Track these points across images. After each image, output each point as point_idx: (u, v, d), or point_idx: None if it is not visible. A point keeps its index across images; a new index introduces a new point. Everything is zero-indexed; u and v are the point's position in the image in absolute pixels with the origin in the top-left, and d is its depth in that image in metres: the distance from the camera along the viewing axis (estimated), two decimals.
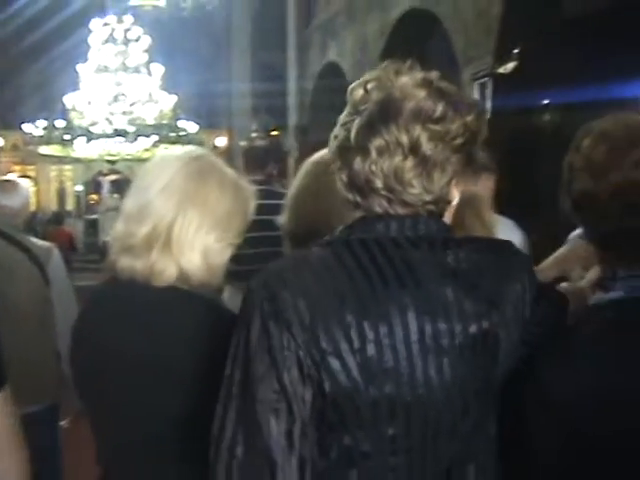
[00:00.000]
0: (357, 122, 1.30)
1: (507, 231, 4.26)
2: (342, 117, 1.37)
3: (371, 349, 1.24)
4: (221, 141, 24.88)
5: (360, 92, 1.33)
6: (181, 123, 21.78)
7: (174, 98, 18.58)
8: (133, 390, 1.67)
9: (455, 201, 1.39)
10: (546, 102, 8.36)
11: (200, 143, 24.61)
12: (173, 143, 23.01)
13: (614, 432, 1.37)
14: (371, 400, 1.24)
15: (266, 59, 22.67)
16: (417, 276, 1.28)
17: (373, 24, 13.79)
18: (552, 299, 1.55)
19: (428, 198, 1.31)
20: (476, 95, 8.78)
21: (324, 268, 1.28)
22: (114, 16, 16.36)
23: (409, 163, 1.28)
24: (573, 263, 2.61)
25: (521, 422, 1.45)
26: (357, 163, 1.30)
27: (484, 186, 4.39)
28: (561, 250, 2.74)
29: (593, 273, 2.00)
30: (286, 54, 19.36)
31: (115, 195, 22.18)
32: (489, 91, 8.55)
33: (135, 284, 1.69)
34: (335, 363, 1.23)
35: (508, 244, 1.45)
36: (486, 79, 8.65)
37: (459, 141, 1.30)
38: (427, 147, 1.27)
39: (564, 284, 2.24)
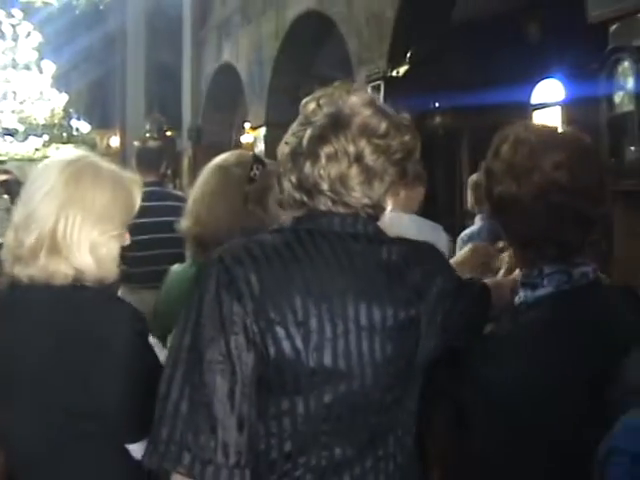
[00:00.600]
0: (309, 131, 1.48)
1: (435, 233, 4.51)
2: (294, 127, 1.54)
3: (313, 323, 1.40)
4: (115, 141, 24.45)
5: (312, 105, 1.53)
6: (73, 122, 21.32)
7: (65, 97, 18.16)
8: (40, 390, 1.74)
9: (388, 208, 1.56)
10: (437, 105, 8.59)
11: (92, 143, 24.18)
12: (65, 143, 22.47)
13: (544, 424, 1.47)
14: (310, 368, 1.39)
15: (160, 58, 22.40)
16: (356, 265, 1.46)
17: (268, 25, 13.82)
18: (473, 291, 1.73)
19: (367, 202, 1.49)
20: None
21: (274, 251, 1.43)
22: (2, 10, 15.87)
23: (353, 171, 1.46)
24: (474, 266, 2.73)
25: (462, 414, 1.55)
26: (307, 167, 1.48)
27: (418, 193, 4.68)
28: (461, 253, 2.84)
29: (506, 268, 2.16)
30: (181, 54, 19.19)
31: (5, 196, 21.48)
32: (382, 94, 8.71)
33: (34, 286, 1.78)
34: (281, 332, 1.38)
35: (431, 245, 1.64)
36: (379, 82, 8.81)
37: (397, 156, 1.49)
38: (370, 158, 1.46)
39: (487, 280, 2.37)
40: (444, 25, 8.95)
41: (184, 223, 2.42)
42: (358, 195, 1.48)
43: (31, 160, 22.54)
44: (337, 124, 1.47)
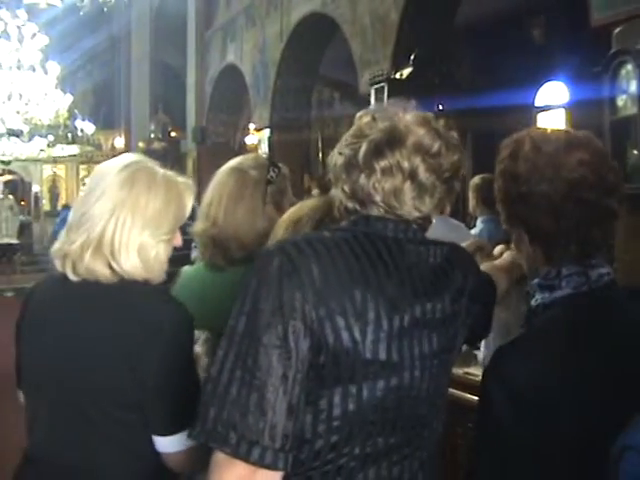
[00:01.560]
0: (365, 145, 1.54)
1: (462, 231, 4.55)
2: (347, 138, 1.61)
3: (371, 315, 1.45)
4: (120, 142, 24.49)
5: (367, 119, 1.59)
6: (78, 123, 21.38)
7: (70, 98, 18.20)
8: (85, 378, 1.84)
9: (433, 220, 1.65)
10: (440, 108, 8.60)
11: (97, 144, 24.26)
12: (69, 144, 22.61)
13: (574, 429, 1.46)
14: (366, 360, 1.44)
15: (165, 60, 22.46)
16: (409, 264, 1.54)
17: (272, 27, 13.87)
18: (486, 285, 1.90)
19: (418, 215, 1.56)
20: (373, 99, 8.95)
21: (335, 246, 1.49)
22: (7, 12, 15.91)
23: (407, 186, 1.54)
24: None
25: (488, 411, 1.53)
26: (362, 179, 1.55)
27: None
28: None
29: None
30: (186, 55, 19.24)
31: (10, 196, 21.55)
32: (385, 96, 8.73)
33: (84, 281, 1.87)
34: (340, 322, 1.42)
35: (459, 246, 1.77)
36: (383, 84, 8.83)
37: (447, 174, 1.57)
38: (423, 176, 1.53)
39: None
40: (448, 27, 8.97)
41: (199, 225, 2.42)
42: (409, 209, 1.55)
43: (36, 160, 22.65)
44: (392, 140, 1.54)
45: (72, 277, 1.87)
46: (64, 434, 1.88)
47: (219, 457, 1.39)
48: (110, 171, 1.90)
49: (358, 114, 1.64)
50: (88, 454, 1.86)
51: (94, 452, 1.85)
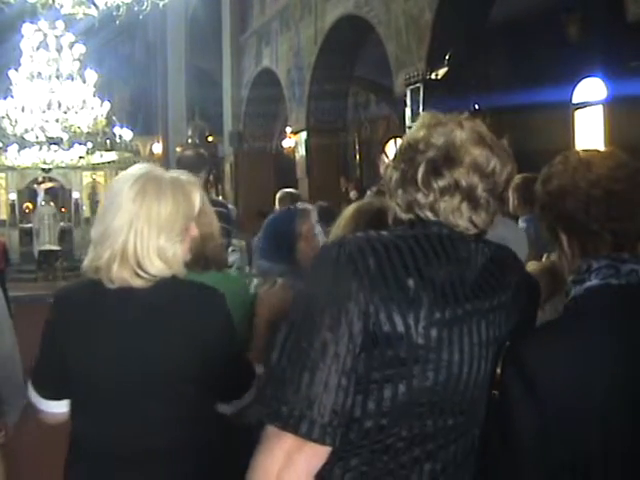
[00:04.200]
0: (423, 165, 1.60)
1: (517, 229, 4.60)
2: (402, 149, 1.67)
3: (424, 303, 1.49)
4: (157, 147, 24.70)
5: (423, 133, 1.63)
6: (116, 130, 21.59)
7: (108, 105, 18.40)
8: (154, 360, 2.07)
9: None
10: (477, 107, 8.57)
11: (135, 150, 24.49)
12: (108, 150, 22.84)
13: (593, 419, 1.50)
14: (418, 345, 1.48)
15: (201, 65, 22.62)
16: (463, 258, 1.59)
17: (307, 31, 13.91)
18: (531, 287, 1.87)
19: (473, 229, 1.61)
20: (409, 100, 8.94)
21: (392, 244, 1.53)
22: (46, 22, 16.11)
23: (464, 205, 1.59)
24: None
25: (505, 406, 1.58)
26: (420, 197, 1.60)
27: None
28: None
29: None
30: (221, 60, 19.35)
31: (51, 203, 21.84)
32: (421, 96, 8.71)
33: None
34: (394, 307, 1.47)
35: (506, 246, 1.78)
36: (418, 85, 8.82)
37: (501, 190, 1.63)
38: (481, 194, 1.59)
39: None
40: (483, 26, 8.93)
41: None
42: (466, 224, 1.60)
43: (75, 168, 22.92)
44: (450, 159, 1.58)
45: (109, 285, 2.07)
46: (133, 425, 2.09)
47: (269, 430, 1.45)
48: (122, 186, 2.08)
49: (414, 127, 1.67)
50: (166, 434, 2.08)
51: (171, 431, 2.08)
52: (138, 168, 2.16)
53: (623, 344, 1.55)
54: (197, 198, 2.16)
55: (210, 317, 2.11)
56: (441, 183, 1.58)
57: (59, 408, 2.22)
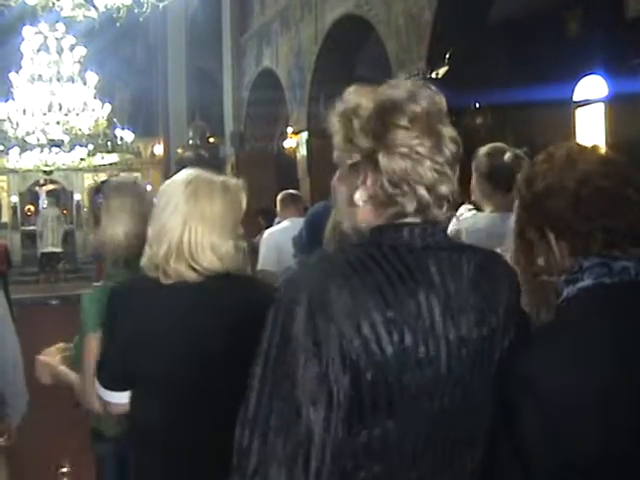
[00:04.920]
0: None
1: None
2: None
3: (409, 340, 1.40)
4: (159, 149, 24.71)
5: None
6: (117, 132, 21.62)
7: (109, 107, 18.42)
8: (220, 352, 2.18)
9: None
10: (478, 105, 8.57)
11: (136, 151, 24.50)
12: (109, 152, 22.87)
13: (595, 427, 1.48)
14: (404, 385, 1.40)
15: (201, 66, 22.61)
16: (441, 275, 1.48)
17: (307, 30, 13.91)
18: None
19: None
20: None
21: (362, 267, 1.44)
22: (46, 24, 16.13)
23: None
24: None
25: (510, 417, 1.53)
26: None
27: (511, 196, 4.78)
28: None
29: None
30: (222, 61, 19.35)
31: (53, 206, 21.87)
32: None
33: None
34: (376, 349, 1.37)
35: (498, 253, 1.72)
36: None
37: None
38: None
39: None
40: (483, 24, 8.93)
41: None
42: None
43: (77, 170, 22.95)
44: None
45: (164, 281, 2.20)
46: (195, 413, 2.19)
47: None
48: (177, 188, 2.25)
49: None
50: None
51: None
52: (189, 172, 2.31)
53: (619, 344, 1.52)
54: (244, 199, 2.33)
55: (260, 310, 2.13)
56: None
57: (122, 399, 2.32)
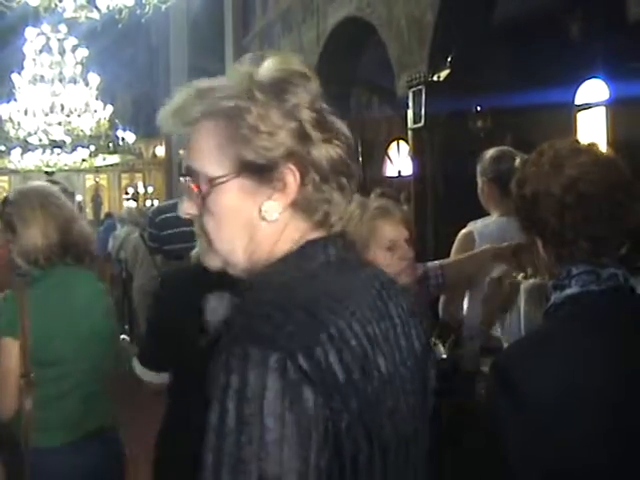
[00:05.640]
0: None
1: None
2: None
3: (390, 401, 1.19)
4: (160, 150, 24.73)
5: None
6: (119, 133, 21.63)
7: (111, 108, 18.45)
8: None
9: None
10: (479, 108, 8.57)
11: (138, 152, 24.52)
12: (111, 153, 22.89)
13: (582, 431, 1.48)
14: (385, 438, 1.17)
15: (204, 68, 22.61)
16: (386, 306, 1.27)
17: (309, 33, 13.92)
18: None
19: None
20: (411, 102, 8.94)
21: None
22: (48, 25, 16.15)
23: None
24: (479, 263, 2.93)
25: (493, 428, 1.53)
26: None
27: None
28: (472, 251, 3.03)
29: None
30: (224, 63, 19.36)
31: None
32: (423, 98, 8.71)
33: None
34: (357, 426, 1.11)
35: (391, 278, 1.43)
36: (420, 87, 8.82)
37: None
38: None
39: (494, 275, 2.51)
40: (485, 28, 8.93)
41: None
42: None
43: (78, 171, 22.97)
44: None
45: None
46: None
47: None
48: None
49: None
50: None
51: None
52: None
53: (604, 352, 1.52)
54: None
55: None
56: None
57: (160, 379, 2.45)
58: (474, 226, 3.73)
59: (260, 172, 1.21)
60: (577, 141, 1.73)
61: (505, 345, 3.07)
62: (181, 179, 1.30)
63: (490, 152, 3.74)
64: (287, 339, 1.05)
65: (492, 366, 1.58)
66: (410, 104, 8.96)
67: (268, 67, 1.30)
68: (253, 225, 1.23)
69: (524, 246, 2.09)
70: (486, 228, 3.60)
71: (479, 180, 3.76)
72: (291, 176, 1.21)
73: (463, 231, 3.72)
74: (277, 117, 1.21)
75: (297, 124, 1.22)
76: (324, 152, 1.22)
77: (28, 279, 2.79)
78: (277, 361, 1.03)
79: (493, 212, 3.73)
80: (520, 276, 3.00)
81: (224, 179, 1.22)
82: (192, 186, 1.26)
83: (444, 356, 2.47)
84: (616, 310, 1.58)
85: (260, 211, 1.22)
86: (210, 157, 1.24)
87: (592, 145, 1.69)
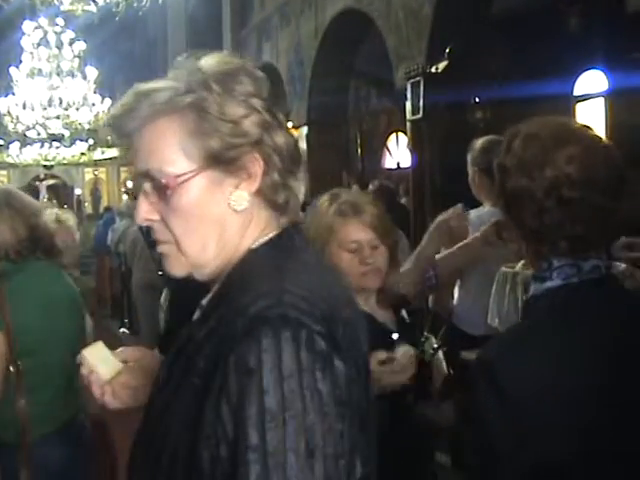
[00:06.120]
0: None
1: None
2: None
3: None
4: None
5: None
6: None
7: (109, 101, 18.43)
8: None
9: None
10: (477, 100, 8.56)
11: None
12: (110, 147, 22.86)
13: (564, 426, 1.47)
14: None
15: None
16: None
17: (307, 25, 13.88)
18: None
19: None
20: (409, 94, 8.93)
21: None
22: (45, 19, 16.12)
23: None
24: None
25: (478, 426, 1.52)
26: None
27: None
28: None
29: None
30: None
31: (53, 200, 21.85)
32: (421, 90, 8.70)
33: None
34: None
35: None
36: (419, 78, 8.81)
37: None
38: None
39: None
40: (483, 19, 8.91)
41: None
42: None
43: (77, 164, 22.95)
44: None
45: None
46: None
47: None
48: None
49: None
50: None
51: None
52: None
53: (584, 346, 1.52)
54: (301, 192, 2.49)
55: None
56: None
57: None
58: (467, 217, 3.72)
59: (226, 163, 1.21)
60: (566, 126, 1.68)
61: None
62: (130, 184, 1.30)
63: (480, 142, 3.73)
64: (308, 317, 1.08)
65: (476, 361, 1.57)
66: (408, 96, 8.96)
67: (212, 62, 1.29)
68: (224, 218, 1.22)
69: (505, 223, 2.02)
70: (478, 219, 3.60)
71: (470, 170, 3.75)
72: (256, 164, 1.21)
73: None
74: (235, 107, 1.21)
75: (257, 113, 1.22)
76: (283, 139, 1.24)
77: (1, 273, 2.88)
78: (307, 337, 1.06)
79: (485, 202, 3.72)
80: (518, 266, 2.98)
81: (191, 174, 1.20)
82: (151, 190, 1.24)
83: (435, 346, 2.45)
84: (597, 303, 1.57)
85: (229, 203, 1.22)
86: (171, 155, 1.21)
87: (580, 134, 1.64)
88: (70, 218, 4.28)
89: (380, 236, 2.36)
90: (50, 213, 3.54)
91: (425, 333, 2.49)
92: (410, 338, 2.38)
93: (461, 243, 3.21)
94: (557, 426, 1.46)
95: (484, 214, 3.63)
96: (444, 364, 2.61)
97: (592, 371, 1.50)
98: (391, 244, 2.43)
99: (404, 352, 2.26)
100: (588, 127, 1.69)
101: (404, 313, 2.55)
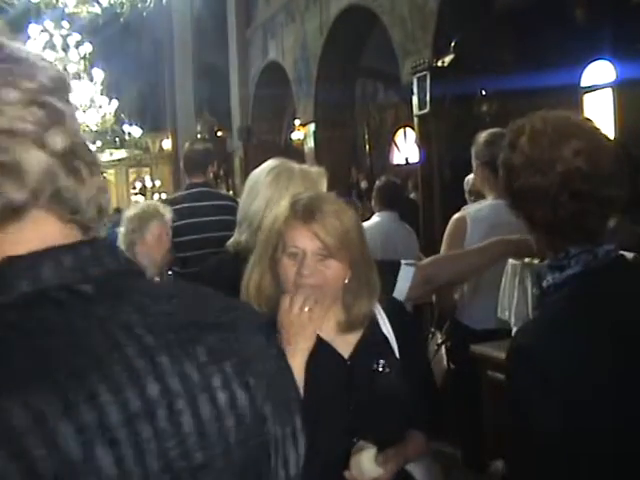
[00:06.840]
0: None
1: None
2: None
3: None
4: (167, 143, 24.74)
5: None
6: (125, 127, 21.63)
7: (116, 103, 18.45)
8: None
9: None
10: (484, 93, 8.53)
11: (145, 147, 24.55)
12: (118, 148, 22.94)
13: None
14: None
15: (208, 60, 22.61)
16: None
17: (312, 22, 13.88)
18: None
19: None
20: (416, 88, 8.91)
21: None
22: (51, 22, 16.14)
23: None
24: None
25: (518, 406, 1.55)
26: None
27: None
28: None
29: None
30: (227, 54, 19.34)
31: None
32: (428, 84, 8.68)
33: None
34: None
35: None
36: (425, 72, 8.79)
37: None
38: None
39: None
40: (488, 11, 8.89)
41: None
42: None
43: None
44: None
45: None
46: None
47: None
48: (260, 176, 2.48)
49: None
50: None
51: None
52: (272, 162, 2.54)
53: (612, 325, 1.55)
54: (324, 185, 2.49)
55: None
56: None
57: None
58: (467, 211, 3.71)
59: None
60: (569, 121, 1.69)
61: (514, 328, 3.06)
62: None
63: (483, 135, 3.72)
64: None
65: (514, 349, 1.59)
66: (415, 90, 8.94)
67: None
68: None
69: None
70: (479, 212, 3.58)
71: (473, 163, 3.74)
72: None
73: (456, 216, 3.70)
74: None
75: None
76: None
77: None
78: None
79: (488, 195, 3.71)
80: (526, 258, 2.95)
81: None
82: None
83: (439, 341, 2.44)
84: (616, 283, 1.63)
85: None
86: None
87: (582, 125, 1.67)
88: None
89: (333, 249, 1.99)
90: None
91: (432, 329, 2.48)
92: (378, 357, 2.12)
93: (481, 245, 2.97)
94: (601, 401, 1.49)
95: (485, 207, 3.62)
96: (444, 359, 2.58)
97: (622, 346, 1.53)
98: (353, 261, 2.06)
99: (366, 461, 1.92)
100: (588, 119, 1.73)
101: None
